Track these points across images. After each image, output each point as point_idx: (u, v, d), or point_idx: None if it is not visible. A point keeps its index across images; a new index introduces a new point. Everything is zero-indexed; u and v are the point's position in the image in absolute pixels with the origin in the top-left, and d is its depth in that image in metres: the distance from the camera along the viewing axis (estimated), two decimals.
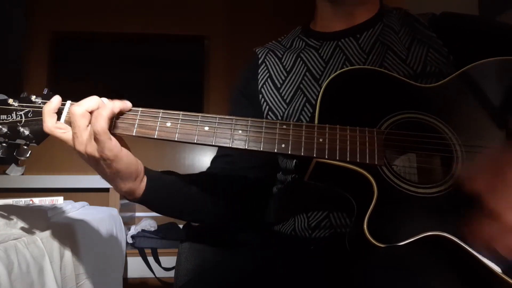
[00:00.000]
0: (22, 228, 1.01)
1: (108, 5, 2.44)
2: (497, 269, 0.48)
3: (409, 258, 0.50)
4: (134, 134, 0.58)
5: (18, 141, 0.61)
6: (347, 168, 0.57)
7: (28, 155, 0.61)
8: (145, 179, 0.66)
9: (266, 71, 0.83)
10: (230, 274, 0.66)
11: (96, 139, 0.56)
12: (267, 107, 0.80)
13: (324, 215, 0.71)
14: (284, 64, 0.82)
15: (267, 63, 0.84)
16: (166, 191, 0.70)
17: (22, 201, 1.78)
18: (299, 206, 0.76)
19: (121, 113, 0.59)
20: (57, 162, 2.06)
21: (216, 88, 2.46)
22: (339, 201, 0.62)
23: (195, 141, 0.58)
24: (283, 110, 0.78)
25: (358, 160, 0.56)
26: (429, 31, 0.74)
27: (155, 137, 0.58)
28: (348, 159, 0.56)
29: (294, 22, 0.91)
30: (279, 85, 0.80)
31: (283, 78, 0.80)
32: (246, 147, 0.57)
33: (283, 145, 0.57)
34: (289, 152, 0.57)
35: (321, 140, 0.57)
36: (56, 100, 0.59)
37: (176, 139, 0.58)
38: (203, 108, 2.44)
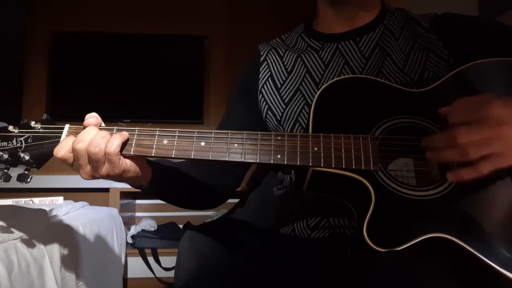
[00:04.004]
0: (22, 228, 1.01)
1: (108, 5, 2.44)
2: (499, 267, 0.48)
3: (410, 260, 0.50)
4: (132, 153, 0.59)
5: (19, 166, 0.62)
6: (344, 176, 0.57)
7: (29, 180, 0.62)
8: (149, 171, 0.66)
9: (268, 70, 0.83)
10: (230, 274, 0.66)
11: (109, 176, 0.59)
12: (266, 106, 0.81)
13: (322, 216, 0.72)
14: (285, 63, 0.82)
15: (269, 61, 0.84)
16: (166, 180, 0.72)
17: (22, 201, 1.79)
18: (298, 207, 0.77)
19: None
20: (57, 162, 2.05)
21: (216, 88, 2.46)
22: (338, 202, 0.63)
23: (192, 157, 0.58)
24: (282, 110, 0.78)
25: (353, 167, 0.57)
26: (430, 34, 0.74)
27: (153, 155, 0.59)
28: (343, 166, 0.57)
29: (294, 22, 0.91)
30: (279, 85, 0.81)
31: (284, 78, 0.81)
32: (243, 160, 0.58)
33: (279, 156, 0.58)
34: (285, 163, 0.57)
35: (316, 149, 0.57)
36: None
37: (173, 156, 0.59)
38: (203, 108, 2.44)
